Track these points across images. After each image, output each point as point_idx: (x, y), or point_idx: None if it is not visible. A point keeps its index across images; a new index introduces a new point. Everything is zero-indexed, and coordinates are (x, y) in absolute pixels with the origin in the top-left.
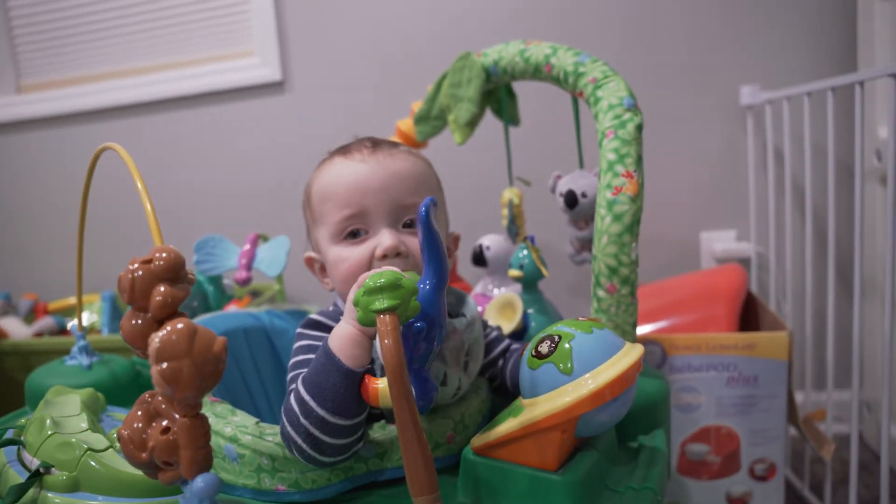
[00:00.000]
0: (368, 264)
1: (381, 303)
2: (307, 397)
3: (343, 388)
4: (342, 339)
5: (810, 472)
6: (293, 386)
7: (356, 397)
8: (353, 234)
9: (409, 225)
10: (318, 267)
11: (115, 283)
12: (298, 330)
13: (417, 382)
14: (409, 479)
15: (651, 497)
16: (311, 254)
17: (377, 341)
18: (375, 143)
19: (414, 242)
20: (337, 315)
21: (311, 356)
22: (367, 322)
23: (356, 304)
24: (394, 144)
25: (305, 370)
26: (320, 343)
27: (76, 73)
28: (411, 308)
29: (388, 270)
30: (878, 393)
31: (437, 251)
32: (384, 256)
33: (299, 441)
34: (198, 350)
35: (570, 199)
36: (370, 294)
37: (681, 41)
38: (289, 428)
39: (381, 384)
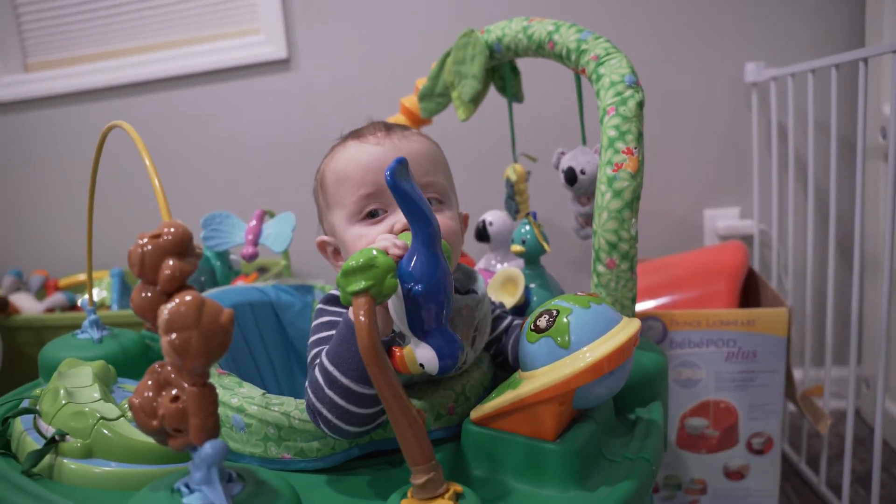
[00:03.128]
0: None
1: (356, 284)
2: (331, 368)
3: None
4: None
5: (807, 447)
6: (317, 360)
7: None
8: (371, 215)
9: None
10: (332, 251)
11: (123, 259)
12: (319, 306)
13: (442, 342)
14: (404, 451)
15: (646, 467)
16: (324, 237)
17: (391, 307)
18: (388, 127)
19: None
20: None
21: (332, 332)
22: (348, 303)
23: (338, 285)
24: (405, 128)
25: (328, 346)
26: (340, 318)
27: (82, 52)
28: (387, 286)
29: (368, 249)
30: (877, 369)
31: (415, 208)
32: (403, 232)
33: (325, 412)
34: (206, 321)
35: (570, 176)
36: (346, 276)
37: (685, 18)
38: (314, 400)
39: (405, 350)
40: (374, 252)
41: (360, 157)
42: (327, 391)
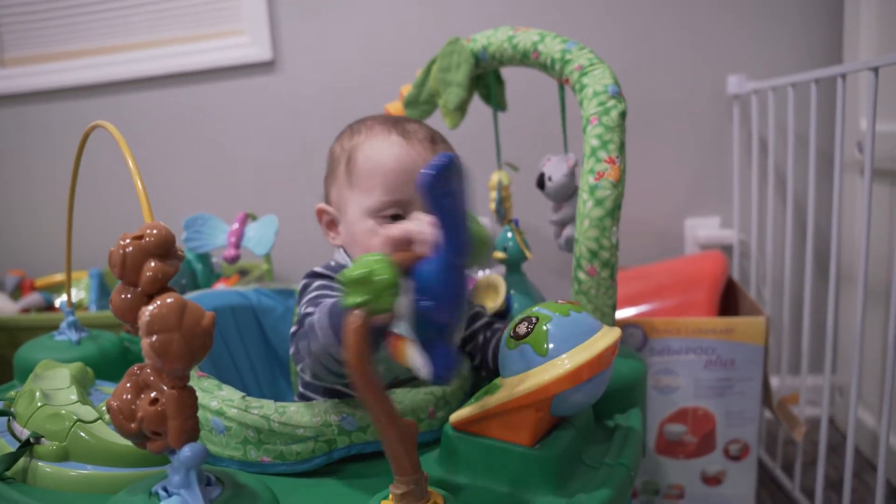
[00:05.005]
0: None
1: (354, 296)
2: (328, 326)
3: None
4: None
5: (782, 453)
6: (311, 316)
7: (374, 340)
8: (392, 217)
9: None
10: (328, 220)
11: (101, 260)
12: (305, 280)
13: (440, 355)
14: (392, 461)
15: (625, 473)
16: (325, 206)
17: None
18: (433, 138)
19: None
20: (338, 269)
21: (327, 292)
22: (347, 307)
23: (339, 282)
24: (443, 140)
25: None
26: (329, 289)
27: (62, 48)
28: (381, 303)
29: (370, 260)
30: (850, 378)
31: (449, 221)
32: None
33: (310, 361)
34: (187, 324)
35: (539, 182)
36: (346, 285)
37: (669, 29)
38: (301, 346)
39: (404, 342)
40: (376, 266)
41: (403, 158)
42: (312, 347)
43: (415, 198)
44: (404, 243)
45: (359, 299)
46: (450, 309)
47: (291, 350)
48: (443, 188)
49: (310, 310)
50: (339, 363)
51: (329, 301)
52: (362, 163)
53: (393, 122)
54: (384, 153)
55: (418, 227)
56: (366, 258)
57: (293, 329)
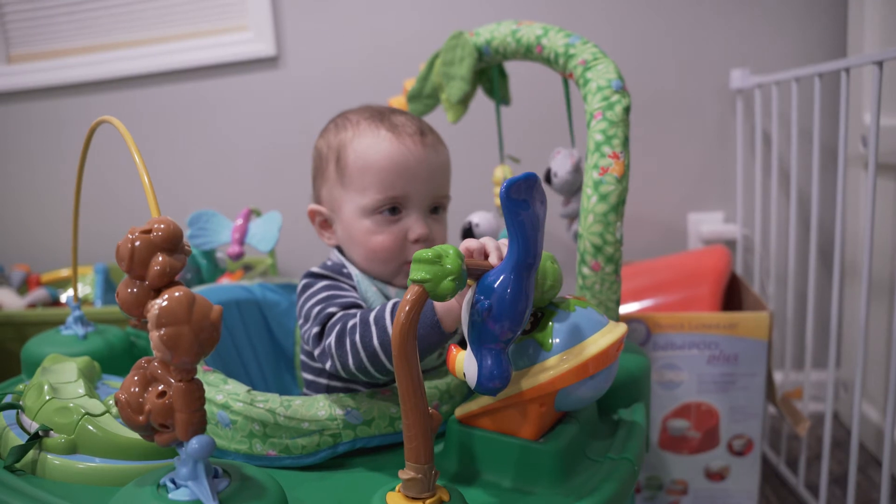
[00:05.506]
0: (401, 244)
1: (417, 273)
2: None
3: (436, 343)
4: (447, 308)
5: (786, 448)
6: (338, 318)
7: (435, 349)
8: (390, 212)
9: (434, 211)
10: (321, 221)
11: (107, 255)
12: (305, 281)
13: (492, 364)
14: (407, 446)
15: (628, 467)
16: (317, 207)
17: (463, 311)
18: (422, 131)
19: (438, 229)
20: (340, 268)
21: (336, 292)
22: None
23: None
24: (431, 130)
25: (340, 304)
26: (338, 285)
27: (67, 45)
28: (442, 287)
29: (443, 247)
30: (854, 374)
31: (521, 232)
32: (416, 241)
33: (351, 366)
34: (196, 317)
35: (546, 177)
36: (415, 262)
37: (673, 23)
38: (337, 354)
39: (461, 353)
40: (447, 253)
41: (395, 155)
42: (361, 351)
43: (410, 192)
44: (479, 255)
45: (421, 276)
46: (507, 318)
47: (317, 350)
48: (520, 199)
49: (332, 309)
50: (388, 359)
51: (390, 302)
52: (353, 161)
53: (380, 117)
54: (374, 150)
55: (495, 244)
56: (442, 246)
57: (315, 329)
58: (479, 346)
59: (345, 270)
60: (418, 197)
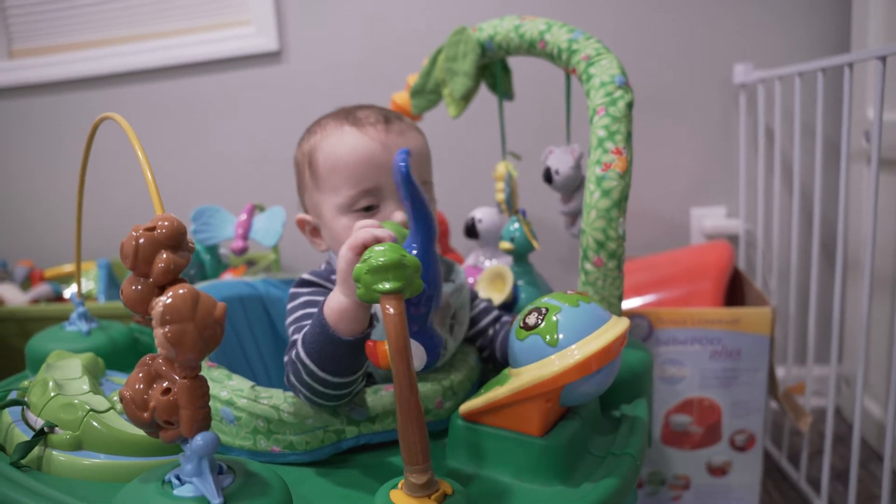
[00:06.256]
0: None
1: (386, 284)
2: (308, 361)
3: (343, 355)
4: (339, 313)
5: (788, 444)
6: (295, 349)
7: (356, 358)
8: (366, 208)
9: None
10: (310, 229)
11: (109, 251)
12: (292, 290)
13: (428, 339)
14: (404, 447)
15: (630, 462)
16: (304, 216)
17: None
18: (386, 119)
19: None
20: (329, 274)
21: (311, 310)
22: (369, 300)
23: (358, 280)
24: (398, 117)
25: (307, 328)
26: (317, 298)
27: (70, 40)
28: (415, 286)
29: (391, 247)
30: (856, 369)
31: (423, 207)
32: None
33: (304, 391)
34: (200, 314)
35: (546, 176)
36: (374, 273)
37: (675, 18)
38: (293, 379)
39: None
40: (401, 252)
41: (359, 148)
42: (305, 378)
43: (383, 183)
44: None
45: (396, 285)
46: (435, 289)
47: (286, 378)
48: (414, 179)
49: (295, 336)
50: (332, 384)
51: (299, 335)
52: (322, 162)
53: (344, 114)
54: (339, 147)
55: (385, 231)
56: (377, 248)
57: (285, 358)
58: (413, 329)
59: (333, 277)
60: (392, 186)
